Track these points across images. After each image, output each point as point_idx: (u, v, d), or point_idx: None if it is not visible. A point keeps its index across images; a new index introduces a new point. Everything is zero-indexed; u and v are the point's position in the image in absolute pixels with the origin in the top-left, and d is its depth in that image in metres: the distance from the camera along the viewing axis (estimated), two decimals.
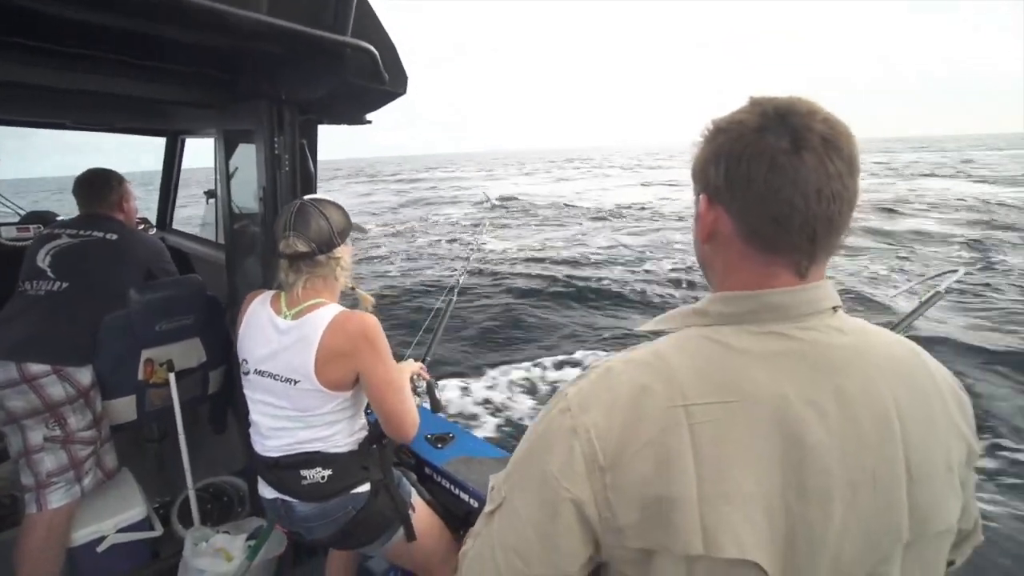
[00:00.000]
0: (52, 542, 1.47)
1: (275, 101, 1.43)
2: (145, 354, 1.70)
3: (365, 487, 1.20)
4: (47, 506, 1.46)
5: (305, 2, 1.09)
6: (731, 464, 0.46)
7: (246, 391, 1.23)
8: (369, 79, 1.23)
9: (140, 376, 1.71)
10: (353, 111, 1.53)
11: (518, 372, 5.31)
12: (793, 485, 0.46)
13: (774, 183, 0.48)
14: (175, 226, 2.94)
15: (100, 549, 1.57)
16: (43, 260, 1.63)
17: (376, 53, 1.18)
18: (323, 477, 1.16)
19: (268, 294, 1.23)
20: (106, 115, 2.18)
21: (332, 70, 1.22)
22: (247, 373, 1.21)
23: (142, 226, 2.78)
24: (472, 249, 2.14)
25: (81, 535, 1.55)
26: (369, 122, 1.64)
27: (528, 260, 10.14)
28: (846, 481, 0.47)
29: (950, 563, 0.56)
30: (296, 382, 1.13)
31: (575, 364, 5.44)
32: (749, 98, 0.53)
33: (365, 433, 1.25)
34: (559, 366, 5.44)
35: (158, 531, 1.70)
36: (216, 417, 2.14)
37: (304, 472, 1.16)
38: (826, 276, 0.54)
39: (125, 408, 1.71)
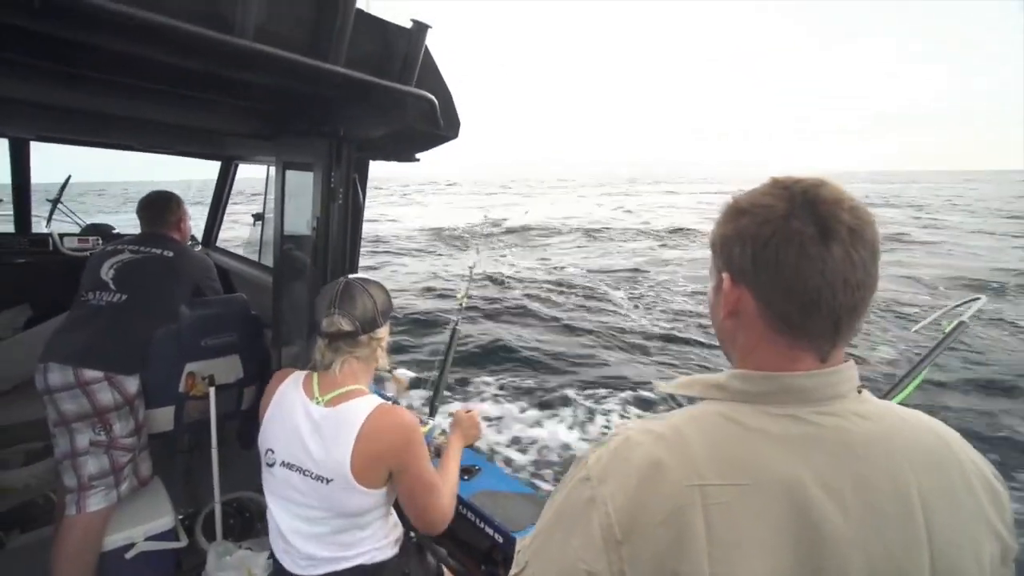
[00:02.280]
0: (88, 545, 1.52)
1: (334, 138, 1.54)
2: (188, 367, 1.78)
3: None
4: (86, 509, 1.52)
5: (377, 54, 1.19)
6: (743, 547, 0.45)
7: (267, 488, 1.13)
8: (426, 125, 1.33)
9: (181, 388, 1.79)
10: (404, 151, 1.64)
11: (541, 410, 5.28)
12: (808, 572, 0.45)
13: (803, 272, 0.49)
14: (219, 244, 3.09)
15: (129, 556, 1.61)
16: (106, 273, 1.74)
17: (436, 102, 1.27)
18: None
19: (299, 376, 1.15)
20: (170, 140, 2.35)
21: (394, 115, 1.32)
22: (271, 465, 1.10)
23: (189, 243, 2.94)
24: (469, 279, 2.09)
25: (112, 540, 1.59)
26: (417, 160, 1.75)
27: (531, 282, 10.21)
28: (865, 571, 0.46)
29: None
30: (329, 481, 1.03)
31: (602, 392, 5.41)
32: (771, 179, 0.54)
33: (400, 530, 1.18)
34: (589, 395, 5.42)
35: (183, 542, 1.73)
36: (244, 433, 2.20)
37: None
38: (846, 358, 0.54)
39: (164, 418, 1.78)
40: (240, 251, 2.98)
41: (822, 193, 0.50)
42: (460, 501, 1.45)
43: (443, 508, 1.12)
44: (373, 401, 1.08)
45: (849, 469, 0.48)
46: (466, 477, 1.52)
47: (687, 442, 0.51)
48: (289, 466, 1.07)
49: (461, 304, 2.03)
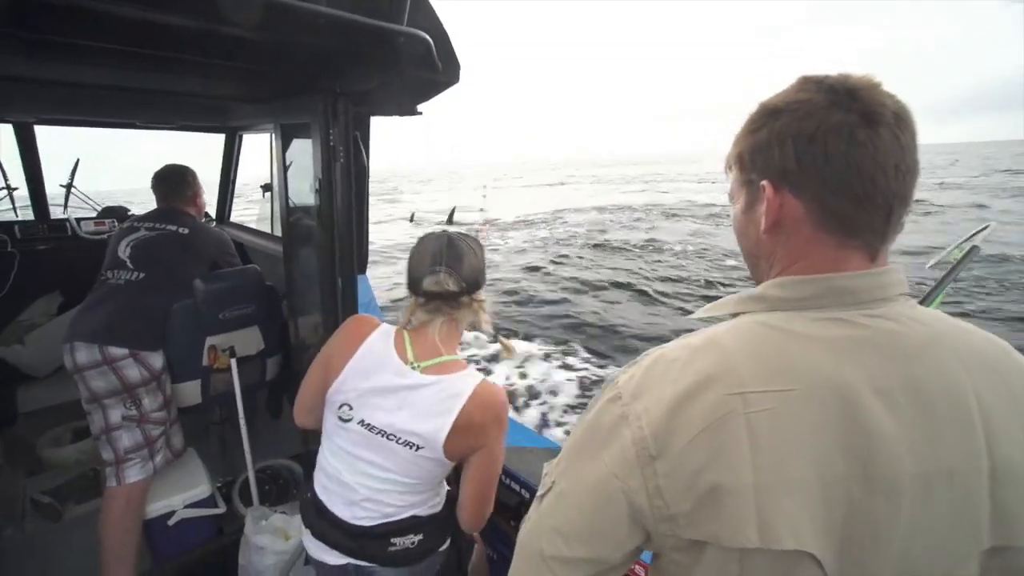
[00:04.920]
0: (130, 513, 1.58)
1: (330, 94, 1.46)
2: (209, 341, 1.79)
3: (447, 543, 1.12)
4: (125, 480, 1.57)
5: None
6: (790, 454, 0.44)
7: (334, 440, 1.05)
8: (423, 68, 1.23)
9: (204, 362, 1.81)
10: (405, 102, 1.54)
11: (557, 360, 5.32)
12: (858, 476, 0.43)
13: (854, 160, 0.46)
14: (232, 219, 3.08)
15: (171, 523, 1.67)
16: (124, 252, 1.74)
17: (431, 41, 1.17)
18: (413, 543, 1.05)
19: (388, 331, 1.05)
20: (170, 113, 2.30)
21: (386, 60, 1.22)
22: (346, 420, 1.01)
23: (204, 219, 2.94)
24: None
25: (154, 508, 1.66)
26: (420, 113, 1.65)
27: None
28: (917, 475, 0.44)
29: None
30: (418, 448, 0.98)
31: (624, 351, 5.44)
32: (799, 78, 0.51)
33: (446, 490, 1.15)
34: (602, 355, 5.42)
35: (221, 508, 1.79)
36: (272, 403, 2.24)
37: (396, 540, 1.04)
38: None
39: (191, 392, 1.81)
40: (255, 225, 2.97)
41: (858, 81, 0.48)
42: None
43: (492, 503, 1.07)
44: (475, 376, 1.01)
45: (902, 372, 0.46)
46: None
47: (725, 351, 0.48)
48: (370, 427, 1.00)
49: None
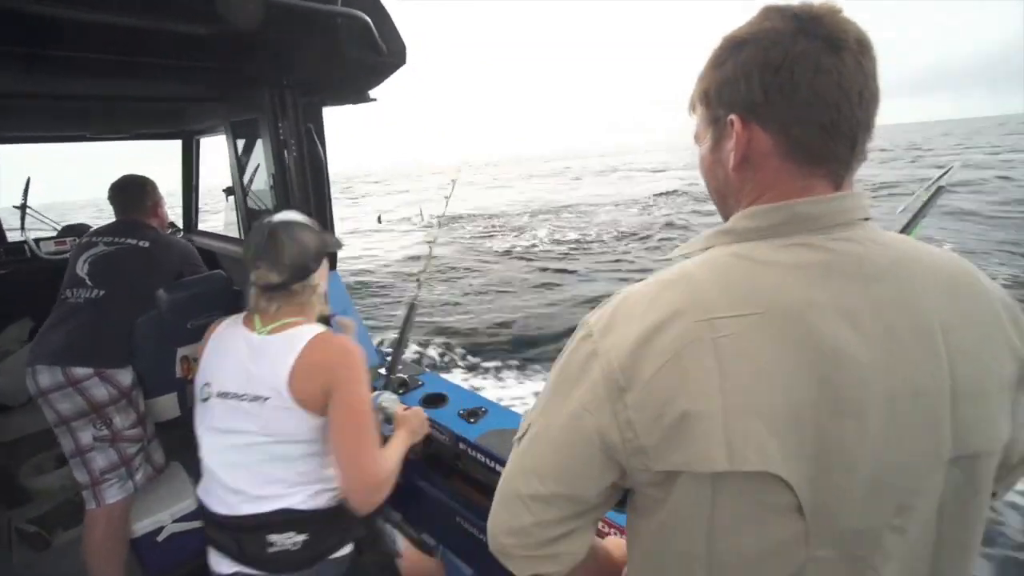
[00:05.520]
0: (113, 534, 1.55)
1: (276, 86, 1.41)
2: (180, 352, 1.75)
3: (347, 549, 1.05)
4: (104, 501, 1.54)
5: None
6: (757, 376, 0.44)
7: (199, 427, 1.05)
8: (365, 50, 1.18)
9: (179, 373, 1.76)
10: (355, 89, 1.49)
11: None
12: (826, 398, 0.43)
13: (820, 87, 0.46)
14: (200, 227, 3.00)
15: (160, 539, 1.65)
16: (82, 268, 1.68)
17: (369, 21, 1.12)
18: (295, 543, 0.98)
19: (238, 316, 1.11)
20: (121, 121, 2.21)
21: (326, 44, 1.17)
22: (206, 399, 1.04)
23: (170, 231, 2.86)
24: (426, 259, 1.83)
25: (141, 526, 1.63)
26: (374, 99, 1.60)
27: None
28: (883, 394, 0.44)
29: (992, 494, 0.52)
30: (265, 399, 0.98)
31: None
32: (762, 8, 0.50)
33: (339, 491, 1.05)
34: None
35: None
36: None
37: (272, 537, 0.98)
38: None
39: (168, 405, 1.77)
40: (223, 231, 2.90)
41: (821, 8, 0.48)
42: (469, 443, 1.43)
43: (377, 471, 0.99)
44: (317, 327, 1.05)
45: (866, 293, 0.46)
46: (472, 420, 1.49)
47: (693, 282, 0.48)
48: (225, 395, 1.02)
49: (421, 274, 1.84)
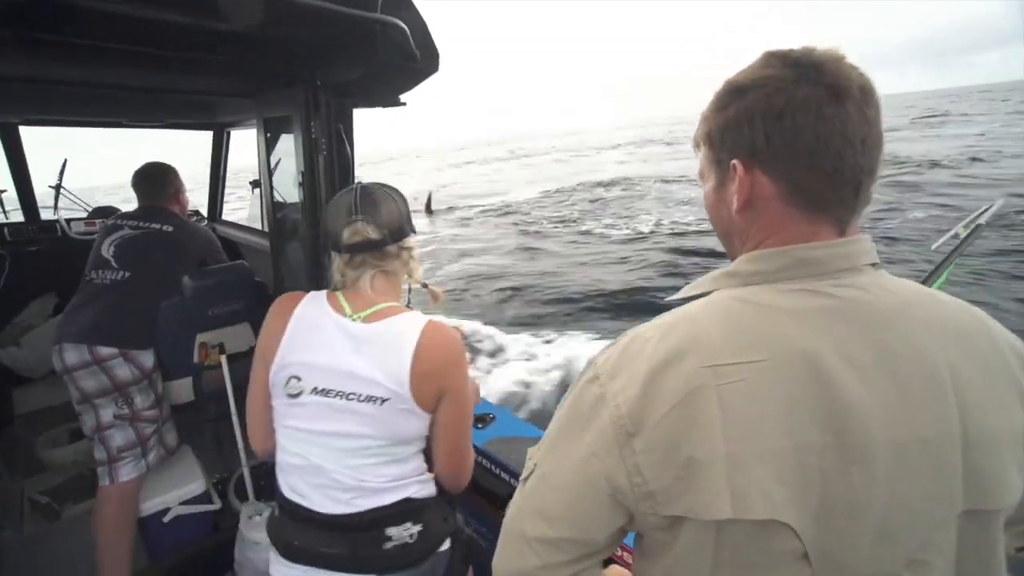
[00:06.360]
0: (124, 510, 1.59)
1: (310, 86, 1.44)
2: (199, 338, 1.79)
3: (447, 544, 0.99)
4: (118, 479, 1.58)
5: None
6: (761, 424, 0.44)
7: (288, 422, 0.94)
8: (400, 58, 1.21)
9: (195, 359, 1.80)
10: (386, 93, 1.52)
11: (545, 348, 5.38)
12: (831, 445, 0.43)
13: (823, 135, 0.46)
14: (224, 216, 3.06)
15: (166, 519, 1.68)
16: (107, 251, 1.73)
17: (406, 30, 1.15)
18: (412, 535, 0.92)
19: (318, 296, 0.98)
20: (156, 111, 2.28)
21: (363, 50, 1.21)
22: (297, 394, 0.92)
23: (194, 218, 2.92)
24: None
25: (148, 506, 1.67)
26: (403, 104, 1.63)
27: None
28: (890, 441, 0.44)
29: (1021, 549, 0.52)
30: (384, 400, 0.89)
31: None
32: (763, 54, 0.51)
33: (431, 475, 1.02)
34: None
35: (217, 504, 1.80)
36: None
37: (391, 531, 0.91)
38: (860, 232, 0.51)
39: (183, 389, 1.81)
40: (247, 222, 2.96)
41: (823, 55, 0.48)
42: (476, 450, 1.44)
43: (471, 458, 1.02)
44: (421, 317, 0.95)
45: (871, 340, 0.46)
46: (480, 426, 1.50)
47: (697, 326, 0.49)
48: (325, 392, 0.91)
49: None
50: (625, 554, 1.03)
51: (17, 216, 2.72)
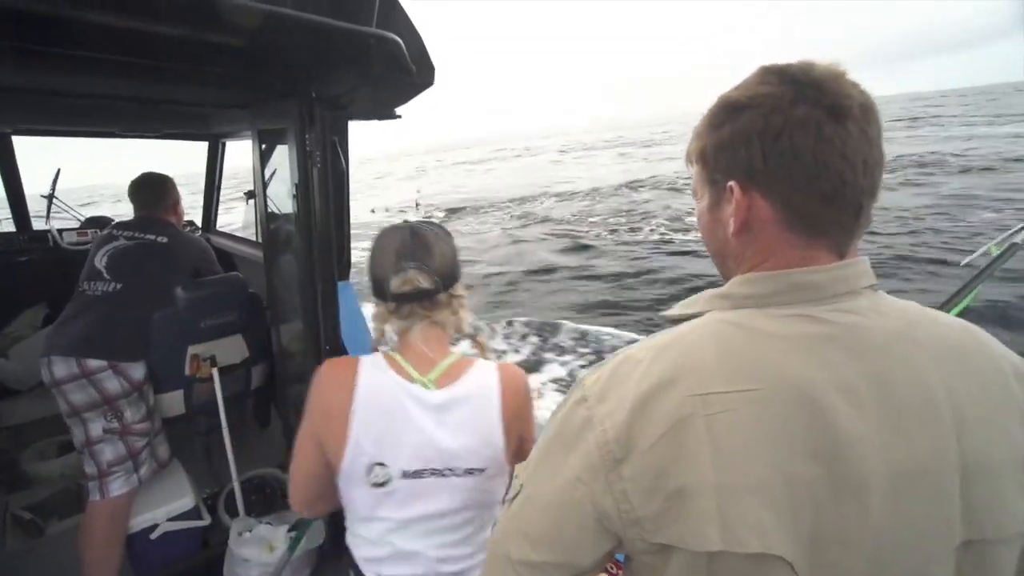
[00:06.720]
0: (115, 526, 1.55)
1: (305, 98, 1.44)
2: (191, 350, 1.77)
3: None
4: (109, 494, 1.54)
5: None
6: (752, 455, 0.43)
7: (380, 514, 0.86)
8: (395, 71, 1.22)
9: (187, 371, 1.78)
10: (381, 106, 1.53)
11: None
12: (824, 477, 0.42)
13: (822, 156, 0.45)
14: (218, 227, 3.05)
15: (153, 536, 1.65)
16: (100, 261, 1.72)
17: (401, 43, 1.16)
18: None
19: (376, 360, 0.88)
20: (151, 121, 2.28)
21: (358, 63, 1.21)
22: (385, 483, 0.82)
23: (188, 228, 2.91)
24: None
25: (136, 522, 1.63)
26: (399, 116, 1.64)
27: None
28: (886, 472, 0.43)
29: None
30: (481, 471, 0.83)
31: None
32: (760, 69, 0.49)
33: None
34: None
35: (206, 520, 1.76)
36: (259, 412, 2.21)
37: None
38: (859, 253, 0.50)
39: (174, 402, 1.79)
40: (241, 233, 2.95)
41: (822, 72, 0.47)
42: None
43: None
44: (490, 367, 0.88)
45: (866, 368, 0.45)
46: None
47: (688, 351, 0.47)
48: (417, 474, 0.83)
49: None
50: (615, 567, 1.02)
51: (8, 226, 2.70)
